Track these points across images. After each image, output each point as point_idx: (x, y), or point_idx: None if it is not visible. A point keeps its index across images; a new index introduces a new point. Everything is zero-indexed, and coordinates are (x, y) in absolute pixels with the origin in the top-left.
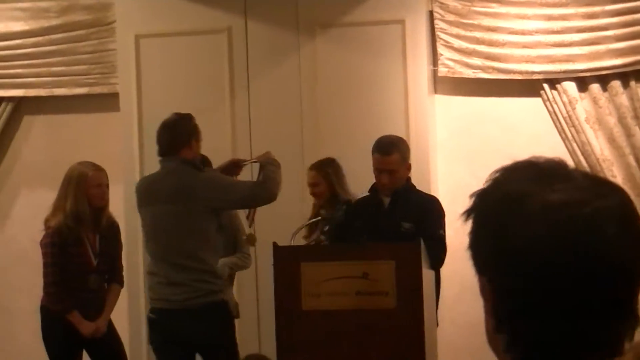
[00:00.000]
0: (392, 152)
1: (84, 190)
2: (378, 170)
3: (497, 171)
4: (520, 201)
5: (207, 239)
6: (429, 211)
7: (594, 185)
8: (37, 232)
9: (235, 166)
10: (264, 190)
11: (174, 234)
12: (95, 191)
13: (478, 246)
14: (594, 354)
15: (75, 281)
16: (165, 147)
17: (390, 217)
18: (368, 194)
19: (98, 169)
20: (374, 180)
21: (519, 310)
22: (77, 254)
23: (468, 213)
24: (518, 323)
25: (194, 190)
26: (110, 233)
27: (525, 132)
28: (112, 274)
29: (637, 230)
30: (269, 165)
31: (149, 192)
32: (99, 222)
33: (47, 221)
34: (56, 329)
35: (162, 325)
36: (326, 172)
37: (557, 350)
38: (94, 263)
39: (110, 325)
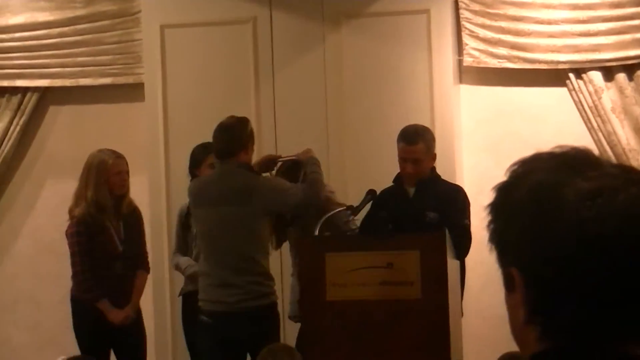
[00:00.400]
0: (417, 141)
1: (104, 178)
2: (403, 160)
3: (515, 164)
4: (554, 190)
5: (262, 241)
6: (454, 200)
7: (622, 172)
8: (63, 222)
9: (270, 162)
10: (315, 194)
11: (232, 236)
12: (116, 179)
13: (506, 238)
14: (630, 339)
15: (102, 268)
16: (224, 150)
17: (414, 206)
18: (392, 184)
19: (118, 156)
20: (396, 171)
21: (554, 297)
22: (103, 241)
23: (492, 206)
24: (553, 311)
25: (255, 193)
26: (132, 219)
27: (551, 122)
28: (138, 261)
29: None
30: (312, 166)
31: (205, 194)
32: (120, 209)
33: (71, 211)
34: (87, 319)
35: (215, 327)
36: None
37: (594, 336)
38: (119, 249)
39: (139, 320)
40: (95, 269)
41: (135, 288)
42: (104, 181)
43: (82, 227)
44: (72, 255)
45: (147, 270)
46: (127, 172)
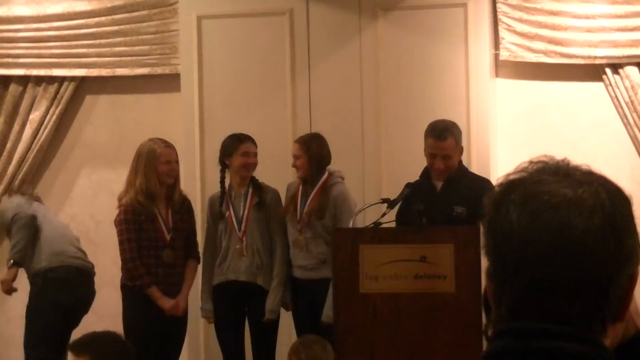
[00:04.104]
0: (447, 136)
1: (153, 167)
2: (432, 155)
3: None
4: (509, 191)
5: None
6: (481, 194)
7: (583, 180)
8: (98, 211)
9: None
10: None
11: None
12: (164, 167)
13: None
14: (560, 332)
15: (150, 257)
16: None
17: (442, 201)
18: (419, 178)
19: (167, 146)
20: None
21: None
22: (151, 229)
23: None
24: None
25: None
26: (183, 209)
27: (587, 117)
28: (188, 250)
29: (605, 221)
30: None
31: None
32: (171, 198)
33: (119, 199)
34: (137, 307)
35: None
36: (309, 147)
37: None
38: (167, 238)
39: (186, 311)
40: (144, 257)
41: (186, 278)
42: (154, 169)
43: (130, 215)
44: (121, 243)
45: (198, 260)
46: (177, 162)
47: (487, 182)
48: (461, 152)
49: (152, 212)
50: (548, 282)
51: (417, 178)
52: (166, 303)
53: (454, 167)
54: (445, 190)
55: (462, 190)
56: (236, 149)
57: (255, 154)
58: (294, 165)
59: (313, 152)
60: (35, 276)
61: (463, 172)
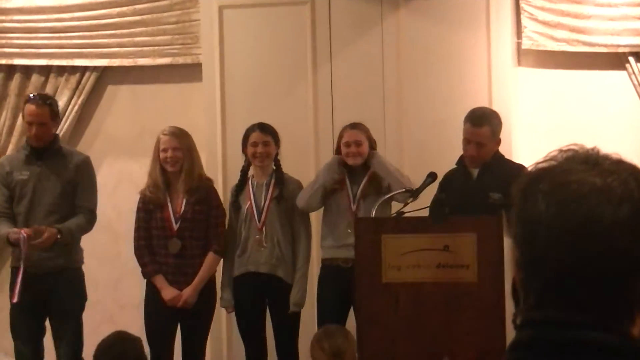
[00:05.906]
0: (482, 124)
1: (157, 154)
2: (466, 141)
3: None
4: (538, 180)
5: None
6: (515, 179)
7: (612, 169)
8: (120, 201)
9: None
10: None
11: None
12: (163, 155)
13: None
14: (587, 321)
15: (160, 246)
16: None
17: (478, 188)
18: (455, 166)
19: (170, 133)
20: (454, 154)
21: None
22: (159, 218)
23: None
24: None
25: None
26: (199, 198)
27: (610, 105)
28: (208, 243)
29: (634, 211)
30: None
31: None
32: (181, 186)
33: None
34: (150, 295)
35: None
36: (367, 133)
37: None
38: (174, 227)
39: (208, 303)
40: (155, 246)
41: (201, 271)
42: (157, 157)
43: (141, 204)
44: (134, 230)
45: (218, 253)
46: (177, 149)
47: (520, 167)
48: (498, 143)
49: (163, 201)
50: (575, 271)
51: (439, 166)
52: (166, 293)
53: (486, 156)
54: (481, 178)
55: (498, 177)
56: (247, 139)
57: (266, 143)
58: (354, 153)
59: (371, 138)
60: (78, 271)
61: (499, 159)
